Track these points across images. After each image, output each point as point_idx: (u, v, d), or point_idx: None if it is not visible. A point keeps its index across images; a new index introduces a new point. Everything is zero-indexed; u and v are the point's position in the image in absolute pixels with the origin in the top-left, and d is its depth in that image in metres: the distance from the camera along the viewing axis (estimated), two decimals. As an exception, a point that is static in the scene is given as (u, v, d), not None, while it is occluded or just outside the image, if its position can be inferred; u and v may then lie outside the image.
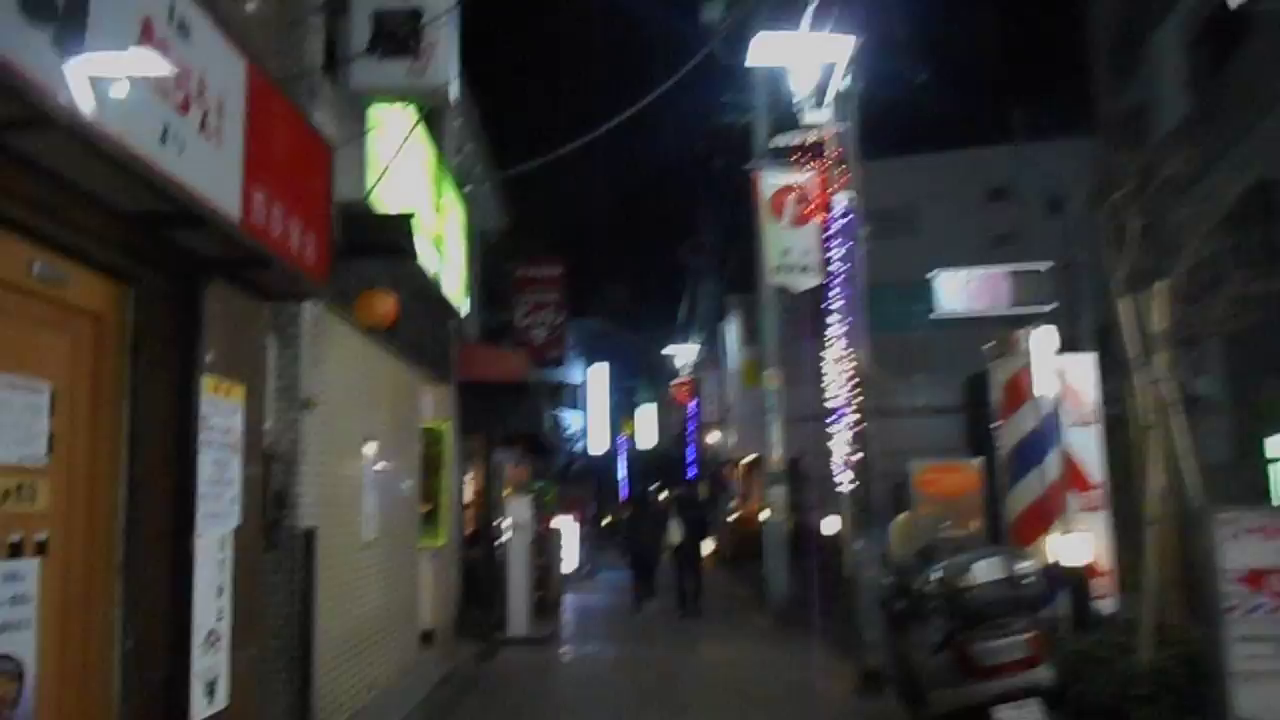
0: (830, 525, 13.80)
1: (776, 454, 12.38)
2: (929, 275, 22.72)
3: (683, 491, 17.85)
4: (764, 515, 24.89)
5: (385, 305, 6.09)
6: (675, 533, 13.81)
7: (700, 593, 13.44)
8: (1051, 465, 6.37)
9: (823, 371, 9.57)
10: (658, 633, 11.24)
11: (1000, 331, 7.22)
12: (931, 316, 11.61)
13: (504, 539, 10.55)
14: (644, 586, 13.63)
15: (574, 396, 35.16)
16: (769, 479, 12.37)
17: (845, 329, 8.63)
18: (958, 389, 23.13)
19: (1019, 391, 6.59)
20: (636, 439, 38.51)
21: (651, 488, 36.49)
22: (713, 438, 29.11)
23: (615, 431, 36.65)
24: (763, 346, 12.82)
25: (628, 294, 47.67)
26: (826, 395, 8.92)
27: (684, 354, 30.22)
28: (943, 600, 5.04)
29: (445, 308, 9.28)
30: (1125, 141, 20.89)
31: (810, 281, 8.63)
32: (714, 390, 28.96)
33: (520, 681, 8.90)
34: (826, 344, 8.97)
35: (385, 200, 6.50)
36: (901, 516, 6.56)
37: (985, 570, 4.85)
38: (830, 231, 8.74)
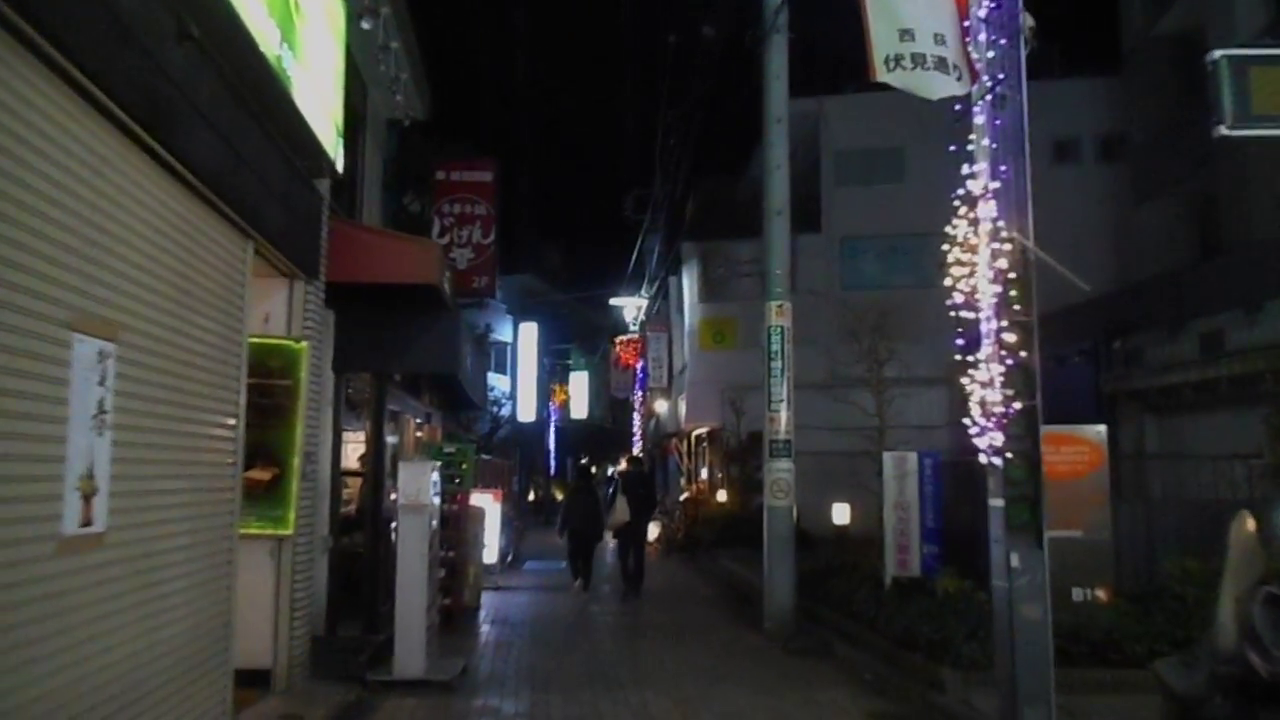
0: (839, 514, 10.66)
1: (783, 417, 9.03)
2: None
3: (630, 468, 15.19)
4: (721, 496, 21.87)
5: None
6: (622, 511, 12.40)
7: (642, 575, 12.27)
8: None
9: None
10: (616, 659, 7.85)
11: None
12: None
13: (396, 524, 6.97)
14: (581, 569, 12.36)
15: (501, 357, 31.38)
16: (771, 450, 9.05)
17: (997, 189, 5.35)
18: (946, 360, 20.34)
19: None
20: (569, 408, 34.96)
21: (583, 461, 33.18)
22: (660, 407, 25.77)
23: (545, 399, 33.01)
24: (769, 258, 9.48)
25: (561, 251, 44.08)
26: (956, 300, 5.60)
27: (633, 307, 26.67)
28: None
29: (300, 140, 5.62)
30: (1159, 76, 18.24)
31: (947, 86, 5.24)
32: (661, 354, 25.61)
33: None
34: (960, 217, 5.66)
35: None
36: (1245, 525, 3.21)
37: None
38: (983, 9, 5.34)
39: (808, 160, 22.05)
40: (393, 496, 7.84)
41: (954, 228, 5.45)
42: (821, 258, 20.96)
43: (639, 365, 26.44)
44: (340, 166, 6.37)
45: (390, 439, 9.51)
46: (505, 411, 25.71)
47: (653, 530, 19.55)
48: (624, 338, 27.59)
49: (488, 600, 10.75)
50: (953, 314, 5.36)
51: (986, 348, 5.06)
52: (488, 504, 11.79)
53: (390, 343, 7.78)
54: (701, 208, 22.80)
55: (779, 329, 9.20)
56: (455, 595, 8.95)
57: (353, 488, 8.40)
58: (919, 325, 20.95)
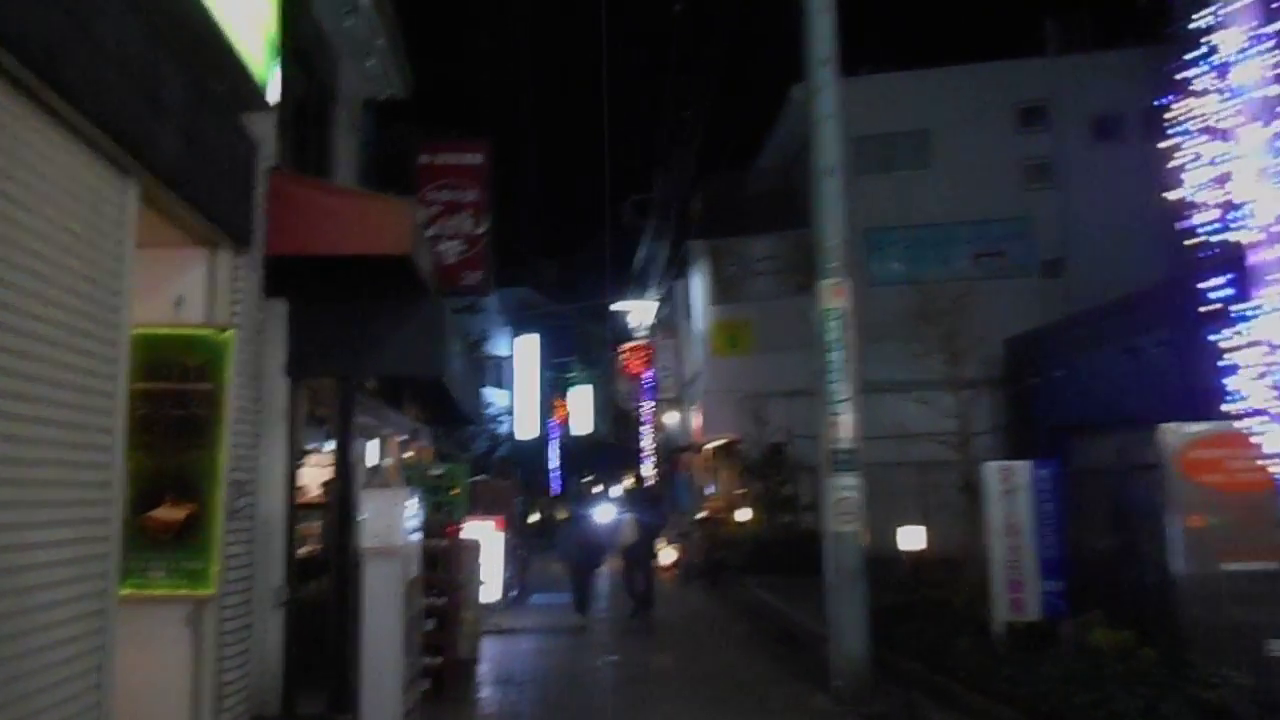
0: (910, 539, 9.00)
1: (846, 422, 7.37)
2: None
3: (636, 486, 13.46)
4: (741, 515, 20.17)
5: None
6: (629, 531, 11.89)
7: (652, 596, 11.79)
8: None
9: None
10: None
11: None
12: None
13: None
14: (582, 594, 11.62)
15: (499, 372, 29.77)
16: (832, 462, 7.38)
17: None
18: (981, 360, 18.72)
19: None
20: (571, 423, 33.29)
21: (586, 480, 31.53)
22: (669, 419, 24.13)
23: (547, 415, 31.35)
24: (820, 227, 7.87)
25: (558, 263, 42.53)
26: (1194, 216, 3.97)
27: (640, 311, 25.04)
28: None
29: (207, 44, 4.03)
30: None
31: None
32: (670, 362, 23.99)
33: None
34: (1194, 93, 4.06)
35: None
36: None
37: None
38: None
39: (824, 149, 20.53)
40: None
41: (1187, 108, 3.81)
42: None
43: (648, 374, 24.81)
44: (274, 97, 4.77)
45: (369, 460, 7.88)
46: (504, 429, 24.07)
47: (669, 554, 17.93)
48: (630, 344, 25.96)
49: (489, 649, 9.08)
50: (1194, 237, 3.70)
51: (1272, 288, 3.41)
52: (487, 534, 10.14)
53: (358, 339, 6.17)
54: (709, 204, 21.27)
55: (836, 313, 7.58)
56: (447, 650, 7.28)
57: (307, 527, 6.76)
58: (949, 322, 19.45)
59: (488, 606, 10.13)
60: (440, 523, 7.21)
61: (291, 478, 6.06)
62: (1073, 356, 15.08)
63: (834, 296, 7.66)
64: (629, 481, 17.99)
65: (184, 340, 4.44)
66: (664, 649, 9.70)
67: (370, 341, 6.16)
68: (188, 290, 4.58)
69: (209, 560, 4.35)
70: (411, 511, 5.27)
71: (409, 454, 10.10)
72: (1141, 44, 19.14)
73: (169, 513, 4.32)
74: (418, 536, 5.47)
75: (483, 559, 9.36)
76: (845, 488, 7.32)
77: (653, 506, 13.23)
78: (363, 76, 10.05)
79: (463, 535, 8.38)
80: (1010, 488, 6.63)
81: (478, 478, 17.01)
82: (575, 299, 37.33)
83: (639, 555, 11.83)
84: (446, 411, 10.17)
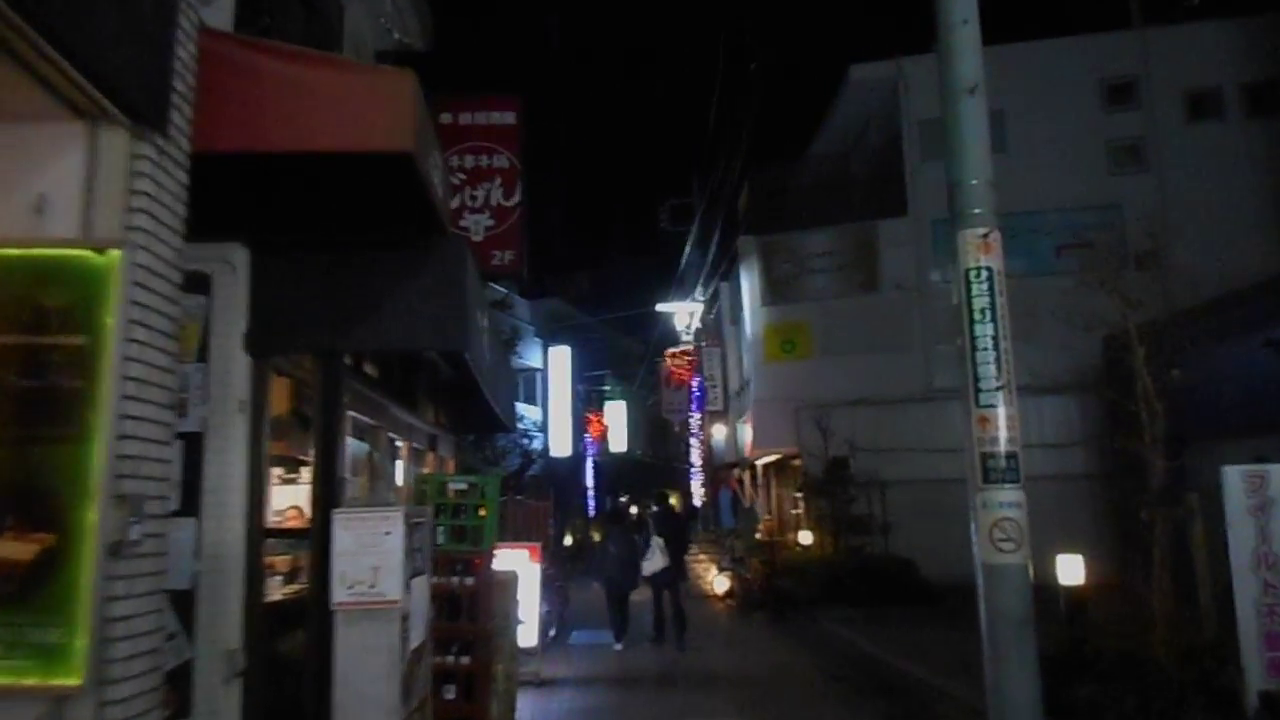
0: (1070, 570, 7.00)
1: (1000, 416, 5.40)
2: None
3: (660, 507, 13.00)
4: (805, 538, 18.24)
5: None
6: (658, 556, 11.12)
7: (685, 622, 11.15)
8: None
9: None
10: None
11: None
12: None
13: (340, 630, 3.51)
14: (618, 617, 11.04)
15: (531, 386, 28.11)
16: (984, 471, 5.43)
17: None
18: (1068, 363, 16.71)
19: None
20: (608, 440, 31.49)
21: (622, 500, 29.63)
22: (715, 433, 22.24)
23: (581, 431, 29.59)
24: (958, 164, 6.02)
25: (591, 274, 40.97)
26: None
27: (685, 313, 23.23)
28: None
29: None
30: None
31: None
32: (715, 371, 22.16)
33: None
34: None
35: None
36: None
37: None
38: None
39: (885, 134, 18.71)
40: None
41: None
42: (909, 246, 17.52)
43: (695, 381, 22.97)
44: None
45: (376, 469, 6.13)
46: (537, 445, 22.34)
47: (722, 582, 16.05)
48: (675, 349, 24.14)
49: (524, 708, 7.28)
50: None
51: None
52: (522, 564, 8.37)
53: (347, 301, 4.46)
54: (759, 198, 19.53)
55: (985, 273, 5.70)
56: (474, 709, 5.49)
57: (277, 559, 5.01)
58: (1032, 321, 17.44)
59: (523, 652, 8.36)
60: (464, 554, 5.43)
61: (256, 495, 4.33)
62: (1193, 353, 13.08)
63: (980, 250, 5.79)
64: (654, 504, 16.15)
65: (40, 266, 2.74)
66: (745, 708, 7.83)
67: (364, 303, 4.44)
68: (52, 188, 2.87)
69: (72, 628, 2.61)
70: (419, 543, 3.50)
71: (425, 469, 8.37)
72: (1240, 13, 17.22)
73: (5, 548, 2.59)
74: (425, 578, 3.69)
75: (520, 595, 7.58)
76: (1004, 504, 5.41)
77: (677, 529, 12.12)
78: (374, 27, 8.49)
79: (495, 567, 6.60)
80: (1263, 501, 4.72)
81: (509, 497, 15.28)
82: (609, 308, 35.75)
83: (667, 579, 11.23)
84: (473, 414, 8.44)
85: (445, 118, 9.27)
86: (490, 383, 6.47)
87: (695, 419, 23.53)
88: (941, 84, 6.21)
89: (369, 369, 5.32)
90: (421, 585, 3.66)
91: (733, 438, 21.75)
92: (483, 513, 5.52)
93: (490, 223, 9.14)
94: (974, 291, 5.71)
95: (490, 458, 16.36)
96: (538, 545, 8.71)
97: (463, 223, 9.16)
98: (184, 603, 4.08)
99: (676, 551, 11.56)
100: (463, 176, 9.24)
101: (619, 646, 10.86)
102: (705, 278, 21.45)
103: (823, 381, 17.37)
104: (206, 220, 3.64)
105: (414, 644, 3.45)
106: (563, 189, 40.92)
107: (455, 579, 5.38)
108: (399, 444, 6.71)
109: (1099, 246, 17.12)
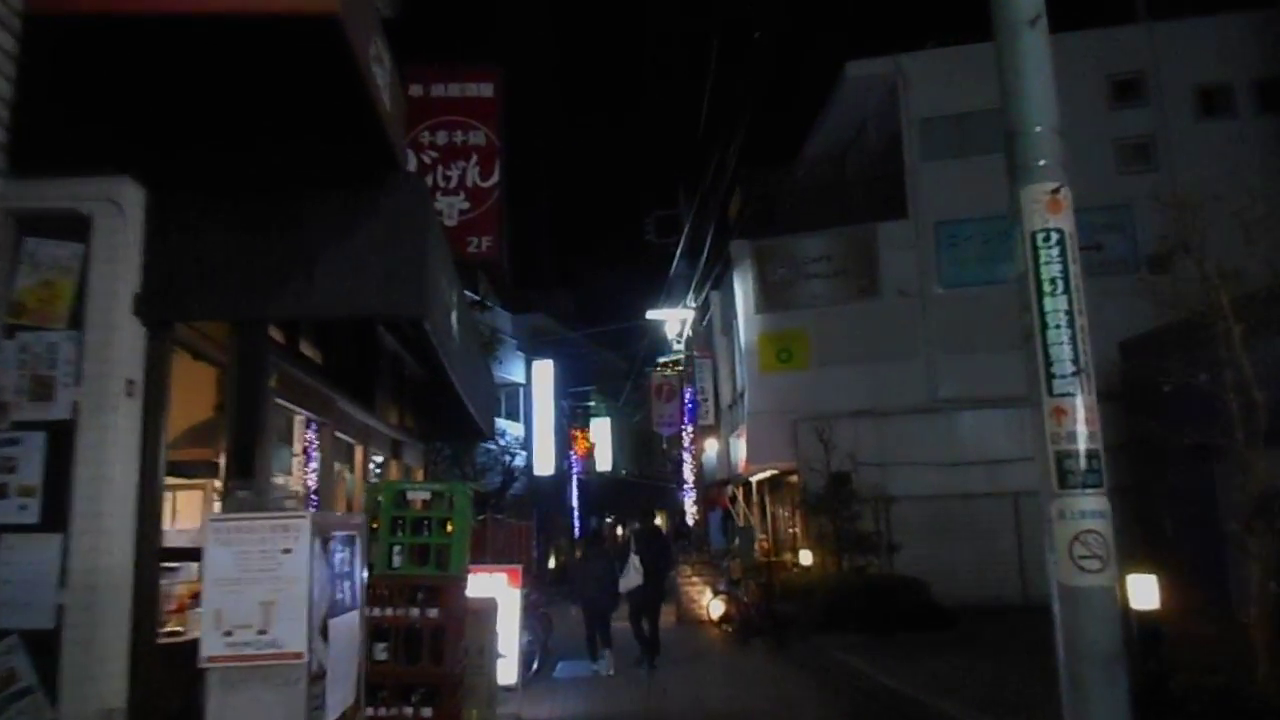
0: (1143, 592, 5.96)
1: (1078, 406, 4.44)
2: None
3: (643, 527, 12.82)
4: (805, 558, 17.20)
5: None
6: (634, 575, 11.05)
7: (658, 642, 11.28)
8: None
9: None
10: None
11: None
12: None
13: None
14: (599, 637, 10.86)
15: (514, 402, 27.05)
16: (1063, 473, 4.47)
17: None
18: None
19: None
20: (594, 459, 30.41)
21: (608, 520, 28.58)
22: (706, 449, 21.25)
23: (565, 449, 28.52)
24: (1019, 107, 5.07)
25: (574, 291, 40.03)
26: None
27: (676, 321, 22.26)
28: None
29: None
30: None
31: None
32: (706, 384, 21.20)
33: None
34: None
35: None
36: None
37: None
38: None
39: (884, 133, 17.92)
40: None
41: None
42: (910, 249, 16.68)
43: (686, 393, 21.98)
44: None
45: (306, 474, 5.08)
46: (518, 462, 21.26)
47: (717, 606, 15.01)
48: (666, 359, 23.15)
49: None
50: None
51: None
52: (501, 590, 7.35)
53: (272, 253, 3.47)
54: (752, 201, 18.67)
55: (1053, 236, 4.77)
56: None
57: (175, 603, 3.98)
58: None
59: (507, 689, 7.32)
60: (428, 579, 4.41)
61: (149, 505, 3.30)
62: (1222, 357, 12.27)
63: (1049, 209, 4.86)
64: (638, 524, 15.31)
65: None
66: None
67: (294, 256, 3.45)
68: None
69: None
70: (344, 566, 2.48)
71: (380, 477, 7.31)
72: (1249, 7, 16.64)
73: None
74: (354, 616, 2.67)
75: (499, 626, 6.55)
76: (1086, 514, 4.45)
77: (659, 549, 11.97)
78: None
79: (468, 593, 5.57)
80: None
81: (489, 516, 14.20)
82: (593, 328, 34.79)
83: (645, 600, 11.18)
84: (446, 418, 7.42)
85: (416, 89, 8.31)
86: (462, 374, 5.47)
87: (687, 432, 22.50)
88: (994, 17, 5.30)
89: (308, 349, 4.31)
90: (347, 628, 2.63)
91: (725, 454, 20.75)
92: (450, 528, 4.51)
93: (465, 205, 8.17)
94: (1042, 259, 4.77)
95: (469, 474, 15.29)
96: (519, 568, 7.66)
97: (435, 204, 8.19)
98: (44, 646, 3.05)
99: (658, 572, 11.45)
100: (434, 154, 8.27)
101: (596, 666, 10.51)
102: (696, 284, 20.52)
103: (821, 392, 16.46)
104: (85, 147, 2.67)
105: (335, 713, 2.42)
106: (544, 200, 39.99)
107: (415, 611, 4.35)
108: (351, 446, 5.67)
109: (1107, 249, 16.47)
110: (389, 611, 4.34)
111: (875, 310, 16.65)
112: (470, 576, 7.40)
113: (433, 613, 4.37)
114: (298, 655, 2.17)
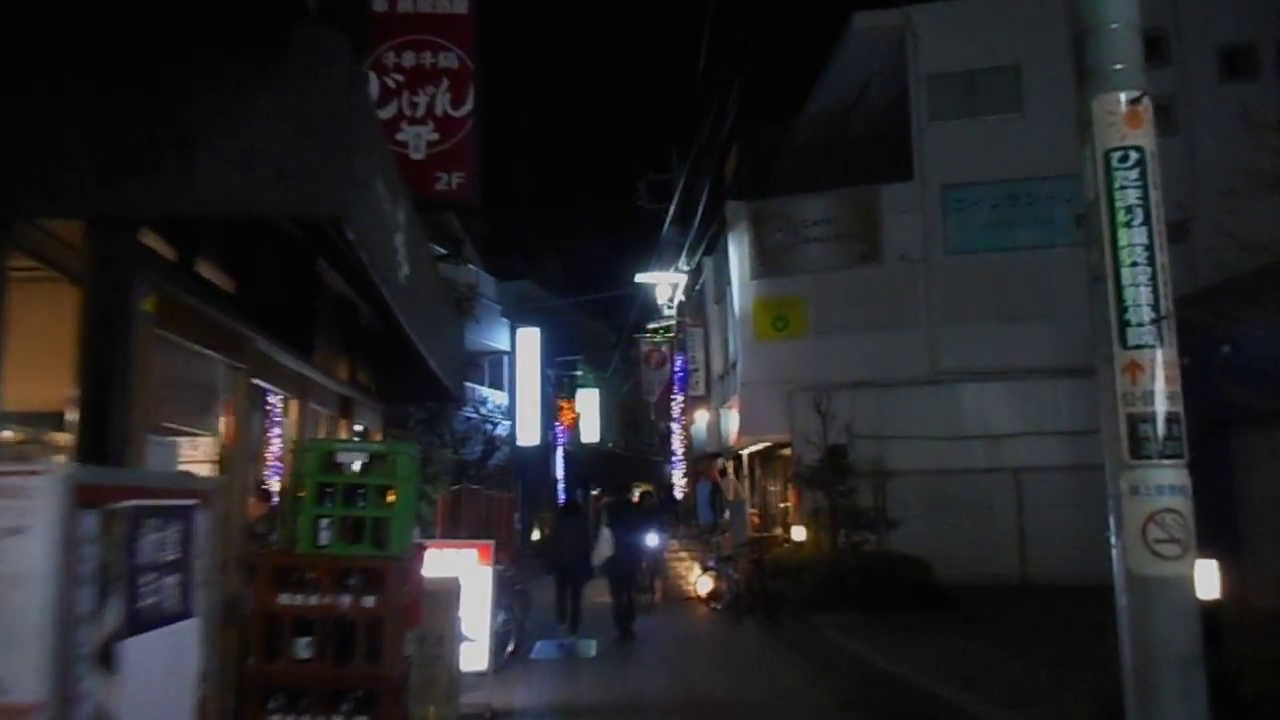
0: (1205, 580, 5.23)
1: (1158, 361, 3.66)
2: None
3: (615, 498, 13.17)
4: (798, 534, 16.50)
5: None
6: (604, 547, 11.01)
7: (633, 615, 11.17)
8: None
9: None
10: None
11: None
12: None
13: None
14: (569, 607, 10.84)
15: (498, 370, 26.19)
16: (1135, 439, 3.70)
17: None
18: (1089, 342, 15.07)
19: None
20: (579, 430, 29.61)
21: (594, 493, 27.82)
22: (697, 420, 20.48)
23: (551, 419, 27.69)
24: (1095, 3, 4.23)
25: (561, 255, 39.01)
26: None
27: (667, 285, 21.38)
28: None
29: None
30: None
31: None
32: (697, 353, 20.39)
33: None
34: None
35: None
36: None
37: None
38: None
39: (890, 90, 16.97)
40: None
41: None
42: (914, 213, 15.82)
43: (677, 361, 21.16)
44: None
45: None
46: (501, 431, 20.44)
47: (706, 583, 14.32)
48: (656, 324, 22.29)
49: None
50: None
51: None
52: (470, 568, 6.57)
53: (136, 129, 2.59)
54: (749, 160, 17.74)
55: (1131, 155, 3.95)
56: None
57: None
58: (1051, 298, 15.85)
59: (478, 675, 6.57)
60: (363, 560, 3.60)
61: None
62: (1252, 325, 11.52)
63: (1127, 123, 4.04)
64: (613, 495, 14.76)
65: None
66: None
67: (167, 133, 2.58)
68: None
69: None
70: (160, 553, 1.64)
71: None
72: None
73: None
74: (181, 629, 1.83)
75: (458, 612, 5.77)
76: (1164, 490, 3.67)
77: (641, 521, 11.91)
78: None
79: (426, 574, 4.77)
80: None
81: (463, 486, 13.40)
82: (580, 296, 33.86)
83: (620, 572, 11.02)
84: (409, 377, 6.57)
85: (379, 3, 7.38)
86: (419, 321, 4.62)
87: (677, 402, 21.69)
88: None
89: (211, 273, 3.46)
90: (168, 648, 1.77)
91: (715, 426, 19.98)
92: (392, 498, 3.69)
93: (434, 136, 7.26)
94: (1117, 182, 3.95)
95: (448, 442, 14.45)
96: (490, 544, 6.86)
97: (400, 136, 7.29)
98: None
99: (631, 544, 11.33)
100: (399, 78, 7.34)
101: (565, 643, 10.32)
102: (689, 245, 19.62)
103: (818, 362, 15.69)
104: None
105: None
106: (530, 158, 38.87)
107: (347, 599, 3.54)
108: (279, 400, 4.83)
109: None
110: (314, 599, 3.53)
111: (876, 277, 15.83)
112: (434, 553, 6.58)
113: (369, 601, 3.56)
114: (31, 708, 1.34)
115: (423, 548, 5.09)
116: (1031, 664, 7.83)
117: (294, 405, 4.56)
